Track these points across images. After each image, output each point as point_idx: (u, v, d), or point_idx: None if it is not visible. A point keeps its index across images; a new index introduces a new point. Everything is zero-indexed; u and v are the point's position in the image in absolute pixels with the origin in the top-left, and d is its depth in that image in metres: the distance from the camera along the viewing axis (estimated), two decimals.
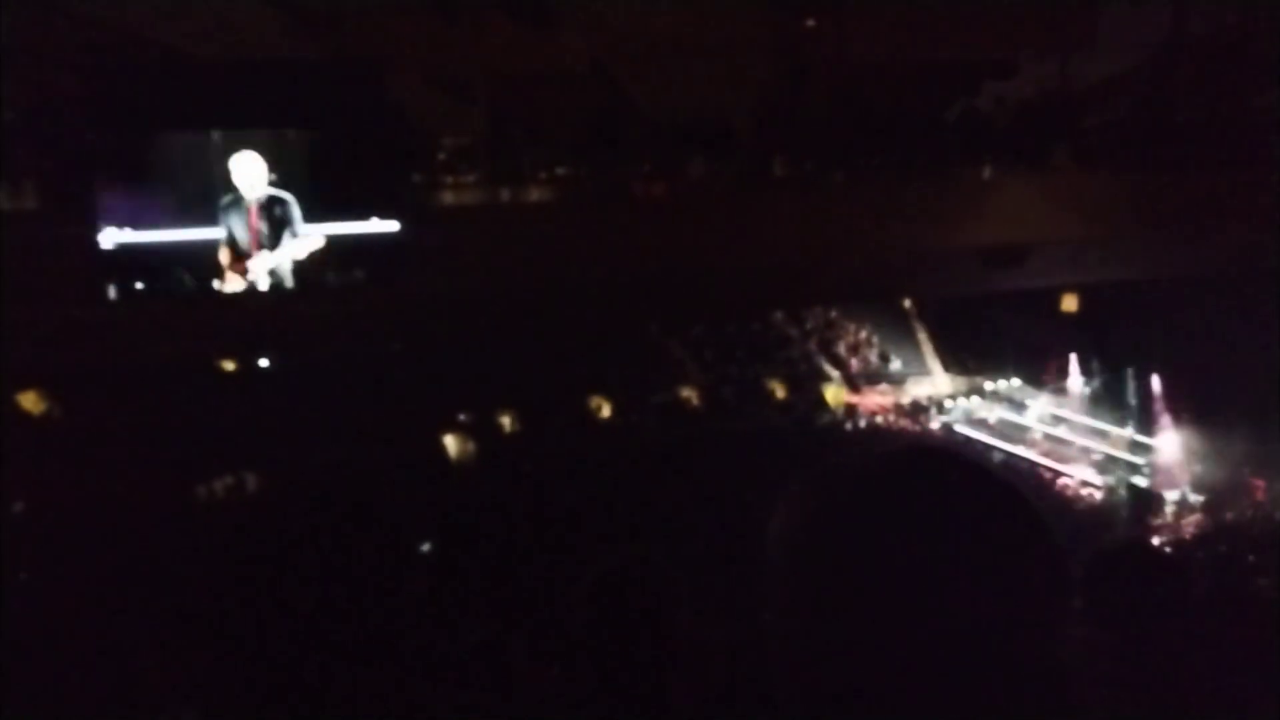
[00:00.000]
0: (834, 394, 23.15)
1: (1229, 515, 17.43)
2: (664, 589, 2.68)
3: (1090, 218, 12.43)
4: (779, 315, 23.90)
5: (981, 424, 22.40)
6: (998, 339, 22.35)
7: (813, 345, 24.26)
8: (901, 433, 22.28)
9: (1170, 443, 19.52)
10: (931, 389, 23.87)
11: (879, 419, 22.89)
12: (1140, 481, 19.14)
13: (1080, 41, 13.56)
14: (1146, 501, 18.61)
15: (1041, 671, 1.10)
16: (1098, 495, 19.22)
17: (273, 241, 10.01)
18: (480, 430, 19.78)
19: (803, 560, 1.14)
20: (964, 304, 20.98)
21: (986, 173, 12.81)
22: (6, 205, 9.87)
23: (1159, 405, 20.09)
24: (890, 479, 1.17)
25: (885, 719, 1.09)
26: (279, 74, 10.42)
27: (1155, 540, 15.19)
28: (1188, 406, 19.30)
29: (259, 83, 10.15)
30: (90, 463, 14.79)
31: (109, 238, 9.69)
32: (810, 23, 13.15)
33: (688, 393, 22.05)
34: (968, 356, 23.86)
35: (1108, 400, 21.26)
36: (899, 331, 24.76)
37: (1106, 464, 19.86)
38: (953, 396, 23.50)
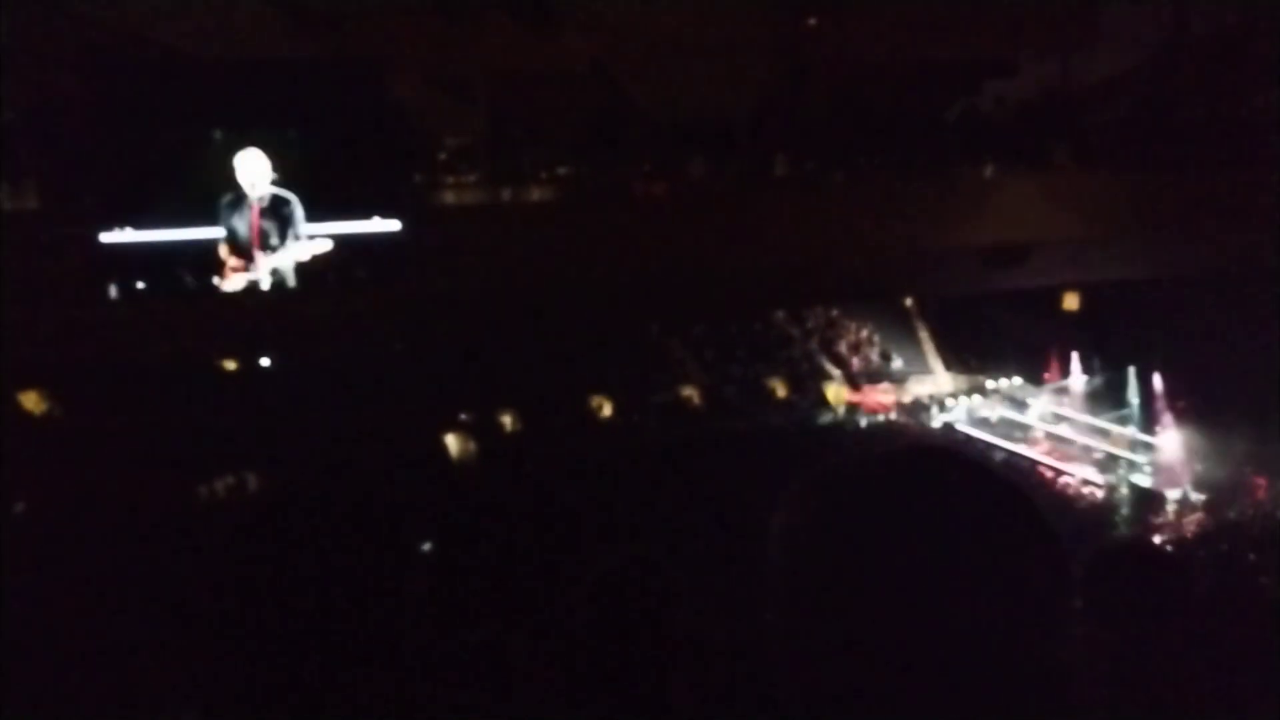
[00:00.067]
0: (835, 393, 23.15)
1: (1230, 514, 17.42)
2: (664, 589, 2.68)
3: (1090, 217, 12.43)
4: (780, 315, 23.89)
5: (983, 423, 22.39)
6: (999, 338, 22.34)
7: (814, 344, 24.25)
8: (903, 432, 22.26)
9: (1171, 441, 19.52)
10: (933, 388, 23.86)
11: (880, 418, 22.89)
12: (1141, 480, 19.13)
13: (1080, 41, 13.56)
14: (1147, 500, 18.60)
15: (1042, 671, 1.10)
16: (1099, 494, 19.20)
17: (275, 240, 10.01)
18: (481, 430, 19.77)
19: (803, 560, 1.14)
20: (965, 303, 20.98)
21: (986, 173, 12.81)
22: (6, 205, 9.87)
23: (1160, 404, 20.09)
24: (891, 478, 1.17)
25: (885, 719, 1.08)
26: (279, 74, 10.42)
27: (1156, 539, 15.20)
28: (1189, 405, 19.30)
29: (259, 83, 10.16)
30: (90, 462, 14.78)
31: (109, 237, 9.70)
32: (810, 23, 13.14)
33: (689, 392, 22.04)
34: (969, 355, 23.85)
35: (1109, 399, 21.25)
36: (900, 330, 24.75)
37: (1107, 463, 19.84)
38: (954, 395, 23.49)
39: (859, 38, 12.72)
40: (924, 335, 24.68)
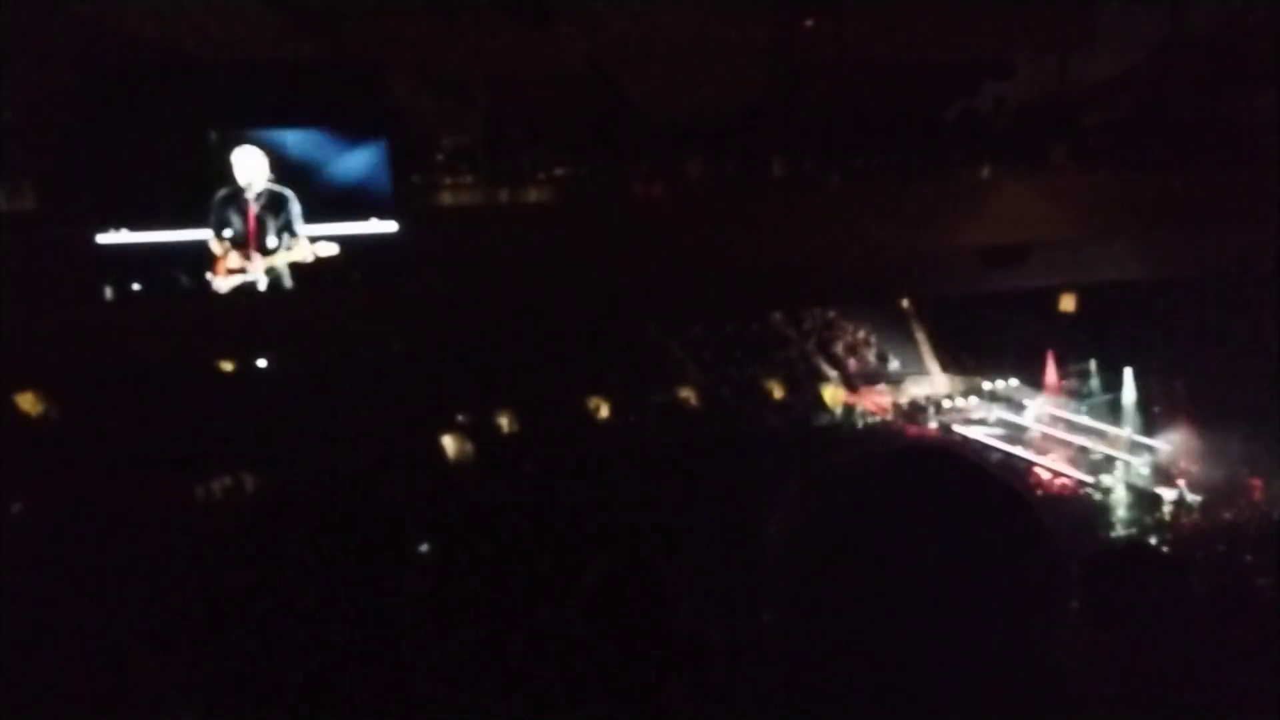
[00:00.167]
0: (832, 394, 23.15)
1: (1227, 515, 17.44)
2: (662, 590, 2.68)
3: (1088, 218, 12.44)
4: (777, 316, 23.90)
5: (980, 424, 22.40)
6: (997, 339, 22.35)
7: (811, 345, 24.25)
8: (900, 433, 22.27)
9: (1168, 443, 19.54)
10: (930, 389, 23.87)
11: (877, 419, 22.89)
12: (1138, 481, 19.14)
13: (1080, 41, 13.57)
14: (1144, 502, 18.61)
15: (1039, 671, 1.10)
16: (1096, 495, 19.21)
17: (272, 239, 10.00)
18: (479, 430, 19.77)
19: (801, 560, 1.14)
20: (963, 304, 20.98)
21: (986, 173, 12.82)
22: (6, 205, 9.86)
23: (1157, 405, 20.11)
24: (889, 479, 1.17)
25: (885, 719, 1.09)
26: (279, 74, 10.41)
27: (1154, 540, 15.20)
28: (1186, 406, 19.30)
29: (259, 83, 10.14)
30: (88, 463, 14.77)
31: (106, 238, 9.69)
32: (810, 23, 13.15)
33: (686, 393, 22.04)
34: (966, 356, 23.86)
35: (1106, 400, 21.27)
36: (898, 332, 24.76)
37: (1104, 464, 19.85)
38: (951, 396, 23.50)
39: (857, 38, 12.73)
40: (921, 336, 24.69)
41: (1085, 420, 21.12)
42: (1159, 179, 12.44)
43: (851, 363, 24.20)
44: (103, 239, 9.67)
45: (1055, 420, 21.55)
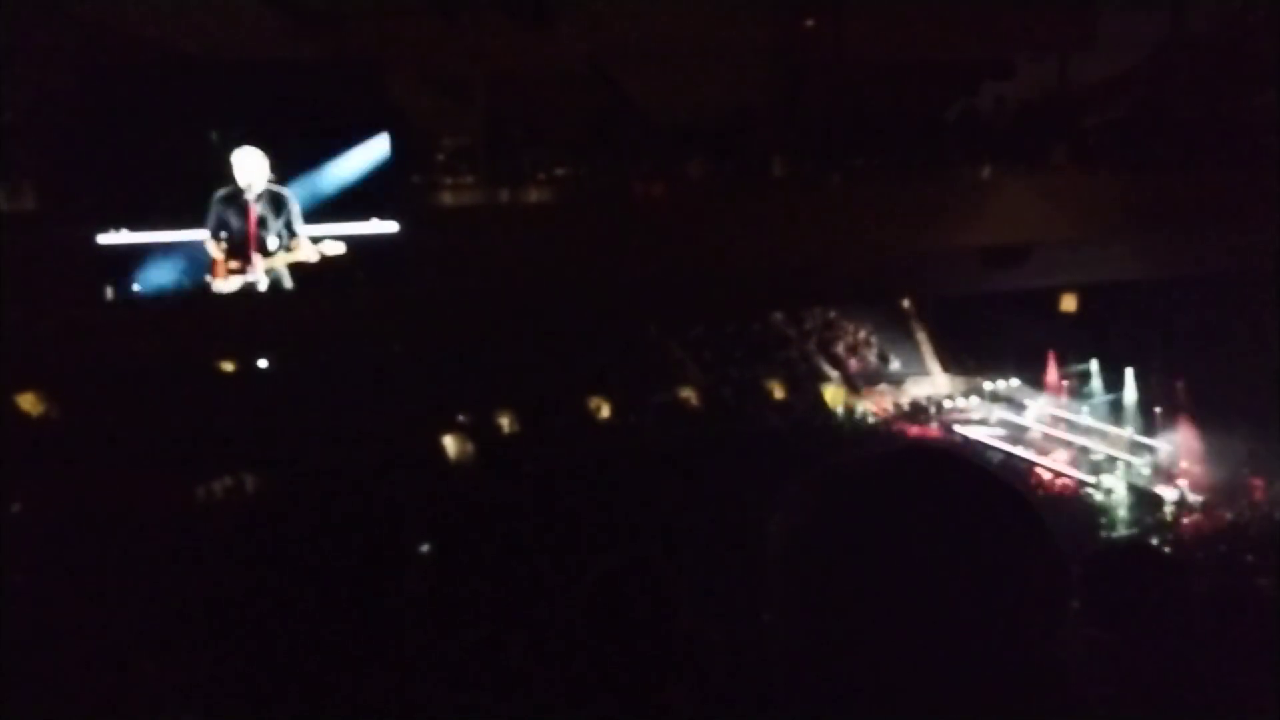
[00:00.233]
0: (833, 394, 23.14)
1: (1228, 515, 17.45)
2: (664, 590, 2.68)
3: (1089, 218, 12.44)
4: (778, 316, 23.89)
5: (981, 424, 22.40)
6: (997, 339, 22.34)
7: (812, 346, 24.25)
8: (901, 433, 22.27)
9: (1169, 442, 19.54)
10: (931, 389, 23.87)
11: (878, 419, 22.88)
12: (1139, 481, 19.15)
13: (1080, 41, 13.57)
14: (1145, 502, 18.62)
15: (1040, 672, 1.10)
16: (1096, 495, 19.21)
17: (272, 239, 10.00)
18: (480, 431, 19.77)
19: (802, 561, 1.14)
20: (964, 304, 20.97)
21: (986, 173, 12.82)
22: (6, 205, 9.87)
23: (1158, 405, 20.11)
24: (889, 480, 1.17)
25: (885, 719, 1.09)
26: (279, 74, 10.42)
27: (1154, 540, 15.20)
28: (1187, 406, 19.32)
29: (259, 83, 10.15)
30: (89, 463, 14.77)
31: (107, 239, 9.69)
32: (810, 23, 13.16)
33: (687, 393, 22.04)
34: (967, 357, 23.86)
35: (1107, 400, 21.27)
36: (898, 332, 24.76)
37: (1106, 464, 19.85)
38: (952, 397, 23.49)
39: (857, 38, 12.73)
40: (922, 337, 24.68)
41: (1086, 420, 21.13)
42: (1159, 179, 12.44)
43: (852, 363, 24.20)
44: (103, 239, 9.68)
45: (1056, 420, 21.56)
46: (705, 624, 2.85)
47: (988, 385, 23.30)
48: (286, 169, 9.98)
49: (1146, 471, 19.33)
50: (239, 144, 9.82)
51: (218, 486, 17.06)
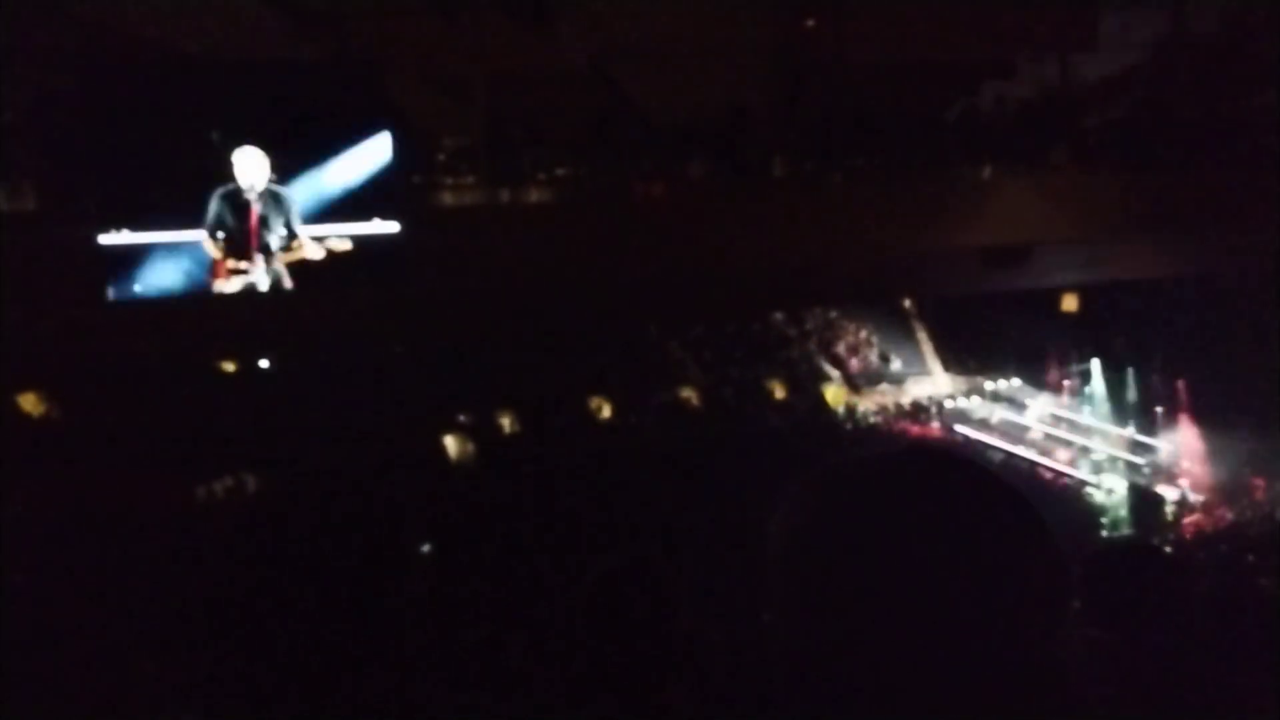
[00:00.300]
0: (834, 394, 23.13)
1: (1228, 515, 17.44)
2: (664, 590, 2.68)
3: (1090, 218, 12.44)
4: (779, 316, 23.88)
5: (981, 424, 22.39)
6: (998, 339, 22.33)
7: (812, 346, 24.24)
8: (901, 433, 22.27)
9: (1170, 442, 19.54)
10: (931, 389, 23.84)
11: (879, 419, 22.87)
12: (1140, 481, 19.14)
13: (1080, 41, 13.57)
14: (1146, 501, 18.62)
15: (1041, 672, 1.10)
16: (1097, 495, 19.21)
17: (273, 239, 10.00)
18: (480, 431, 19.76)
19: (802, 561, 1.14)
20: (964, 304, 20.97)
21: (986, 173, 12.81)
22: (6, 205, 9.87)
23: (1159, 405, 20.11)
24: (890, 480, 1.17)
25: (885, 719, 1.09)
26: (279, 74, 10.43)
27: (1155, 540, 15.20)
28: (1188, 406, 19.32)
29: (259, 83, 10.16)
30: (89, 463, 14.77)
31: (109, 238, 9.69)
32: (810, 23, 13.16)
33: (687, 393, 22.03)
34: (968, 357, 23.85)
35: (1108, 400, 21.26)
36: (899, 332, 24.73)
37: (1106, 464, 19.85)
38: (953, 397, 23.48)
39: (857, 38, 12.73)
40: (923, 336, 24.67)
41: (1086, 420, 21.12)
42: (1159, 179, 12.43)
43: (853, 363, 24.18)
44: (103, 239, 9.68)
45: (1057, 420, 21.55)
46: (705, 624, 2.85)
47: (988, 385, 23.28)
48: (287, 169, 9.98)
49: (1147, 471, 19.32)
50: (240, 144, 9.81)
51: (218, 486, 17.05)
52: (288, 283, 10.10)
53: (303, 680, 2.85)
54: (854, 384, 23.51)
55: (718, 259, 11.59)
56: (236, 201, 9.87)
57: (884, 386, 23.69)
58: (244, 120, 9.92)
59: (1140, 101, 13.95)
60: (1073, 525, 16.47)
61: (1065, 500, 18.87)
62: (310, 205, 10.05)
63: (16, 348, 9.84)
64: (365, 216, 10.14)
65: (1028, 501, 1.15)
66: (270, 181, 9.92)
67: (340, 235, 10.12)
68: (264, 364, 18.01)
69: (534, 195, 11.90)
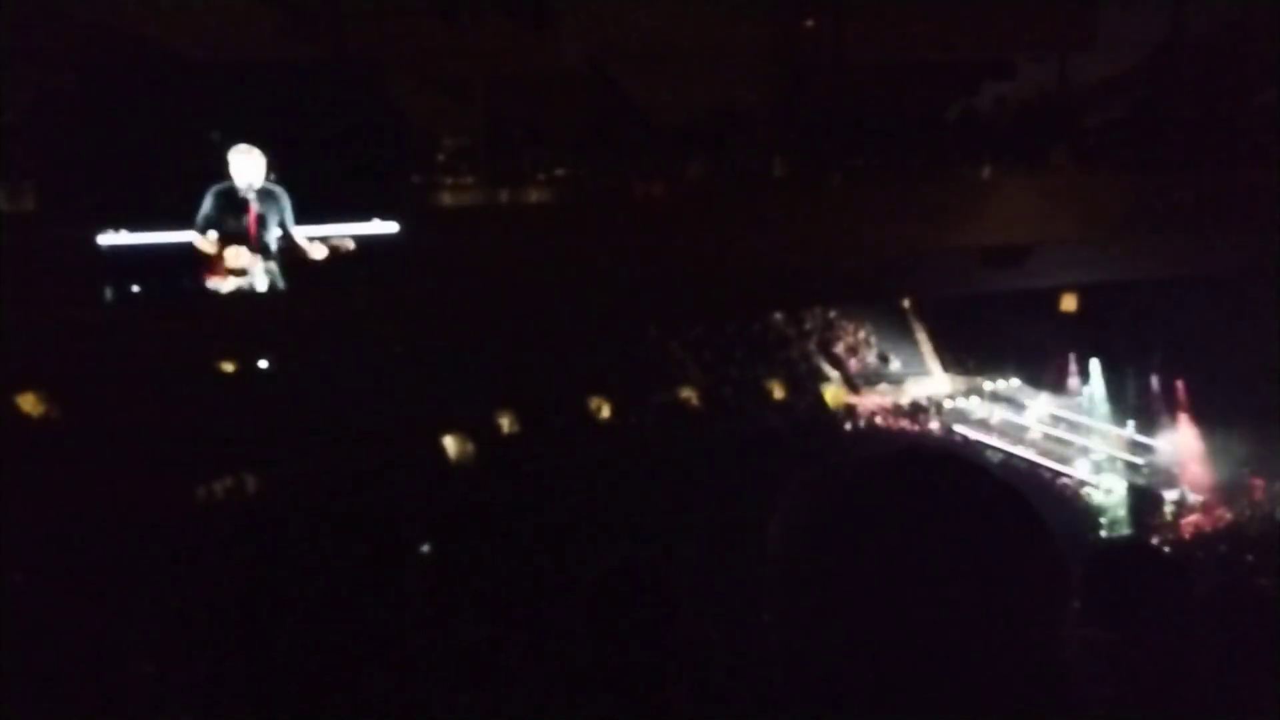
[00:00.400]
0: (833, 394, 23.12)
1: (1228, 515, 17.44)
2: (664, 590, 2.68)
3: (1090, 218, 12.44)
4: (778, 316, 23.87)
5: (981, 424, 22.37)
6: (997, 339, 22.32)
7: (812, 346, 24.23)
8: (901, 433, 22.26)
9: (1170, 442, 19.53)
10: (931, 389, 23.83)
11: (878, 419, 22.86)
12: (1140, 481, 19.14)
13: (1080, 41, 13.58)
14: (1145, 501, 18.61)
15: (1041, 672, 1.10)
16: (1097, 495, 19.20)
17: (271, 238, 9.99)
18: (480, 431, 19.75)
19: (801, 561, 1.14)
20: (964, 304, 20.96)
21: (986, 173, 12.82)
22: (6, 205, 9.87)
23: (1158, 405, 20.10)
24: (889, 480, 1.17)
25: (885, 719, 1.09)
26: (278, 74, 10.42)
27: (1155, 540, 15.20)
28: (1187, 406, 19.31)
29: (258, 83, 10.15)
30: (89, 463, 14.77)
31: (108, 238, 9.69)
32: (810, 23, 13.16)
33: (687, 393, 22.02)
34: (967, 357, 23.83)
35: (1107, 400, 21.25)
36: (898, 332, 24.72)
37: (1106, 464, 19.84)
38: (952, 397, 23.47)
39: (857, 38, 12.73)
40: (922, 337, 24.66)
41: (1086, 420, 21.11)
42: (1159, 179, 12.44)
43: (852, 363, 24.17)
44: (103, 239, 9.67)
45: (1056, 420, 21.53)
46: (705, 624, 2.85)
47: (988, 385, 23.27)
48: (286, 169, 9.97)
49: (1146, 471, 19.31)
50: (238, 144, 9.81)
51: (218, 486, 17.04)
52: (287, 283, 10.10)
53: (303, 680, 2.85)
54: (853, 384, 23.50)
55: (718, 259, 11.59)
56: (235, 201, 9.85)
57: (883, 386, 23.67)
58: (243, 120, 9.90)
59: (1140, 101, 13.95)
60: (1072, 525, 16.45)
61: (1065, 500, 18.86)
62: (310, 205, 10.04)
63: (16, 348, 9.83)
64: (364, 216, 10.13)
65: (1027, 501, 1.15)
66: (269, 181, 9.91)
67: (339, 235, 10.12)
68: (263, 364, 18.01)
69: (534, 195, 11.90)
